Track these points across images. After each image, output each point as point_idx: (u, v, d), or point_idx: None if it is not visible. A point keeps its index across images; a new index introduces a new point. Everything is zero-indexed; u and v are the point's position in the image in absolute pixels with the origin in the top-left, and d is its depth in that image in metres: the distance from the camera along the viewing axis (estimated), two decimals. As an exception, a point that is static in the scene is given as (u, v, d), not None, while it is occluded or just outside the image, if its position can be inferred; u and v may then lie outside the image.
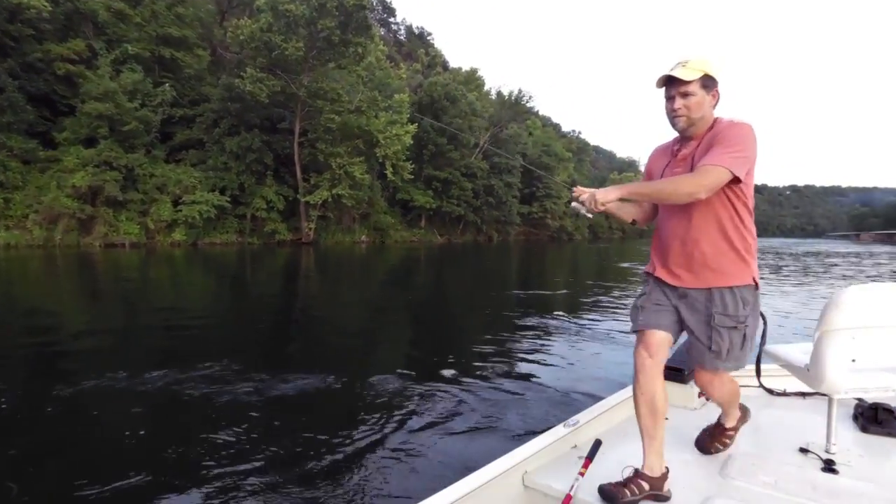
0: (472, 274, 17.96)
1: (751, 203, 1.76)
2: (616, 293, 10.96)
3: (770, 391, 2.58)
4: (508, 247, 43.56)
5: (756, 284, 1.74)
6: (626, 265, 20.96)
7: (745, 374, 2.51)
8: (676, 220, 1.80)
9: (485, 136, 57.00)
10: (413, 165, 42.49)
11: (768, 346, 2.24)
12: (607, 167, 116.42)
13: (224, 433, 3.26)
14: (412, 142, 39.47)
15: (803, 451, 1.95)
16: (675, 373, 2.38)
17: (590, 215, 1.81)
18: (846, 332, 1.73)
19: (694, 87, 1.68)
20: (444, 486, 1.57)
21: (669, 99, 1.73)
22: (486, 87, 68.02)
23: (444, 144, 48.66)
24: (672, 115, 1.74)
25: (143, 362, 5.01)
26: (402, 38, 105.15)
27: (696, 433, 2.12)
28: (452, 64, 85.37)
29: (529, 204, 64.39)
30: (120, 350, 5.78)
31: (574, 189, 1.85)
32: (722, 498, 1.59)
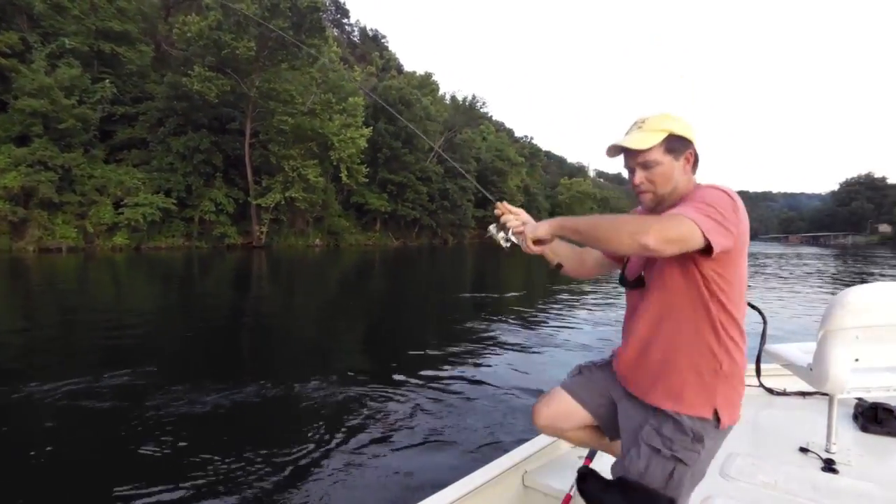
0: (427, 277, 18.18)
1: (738, 310, 1.28)
2: (566, 295, 11.45)
3: (770, 391, 2.55)
4: (464, 250, 44.07)
5: (718, 419, 1.28)
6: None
7: (746, 374, 2.48)
8: (636, 299, 1.42)
9: (439, 140, 57.44)
10: (368, 169, 42.33)
11: (768, 346, 2.21)
12: (558, 172, 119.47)
13: (153, 448, 3.02)
14: (367, 145, 39.35)
15: (803, 450, 1.94)
16: None
17: (507, 244, 1.47)
18: (850, 332, 1.70)
19: (656, 155, 1.28)
20: (426, 494, 1.55)
21: (630, 171, 1.35)
22: (441, 92, 68.63)
23: (399, 148, 48.74)
24: (636, 192, 1.36)
25: (70, 373, 4.70)
26: (356, 39, 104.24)
27: None
28: (407, 67, 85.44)
29: (484, 208, 65.27)
30: (46, 361, 5.43)
31: (498, 206, 1.50)
32: (722, 498, 1.57)
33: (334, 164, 37.22)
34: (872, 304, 1.70)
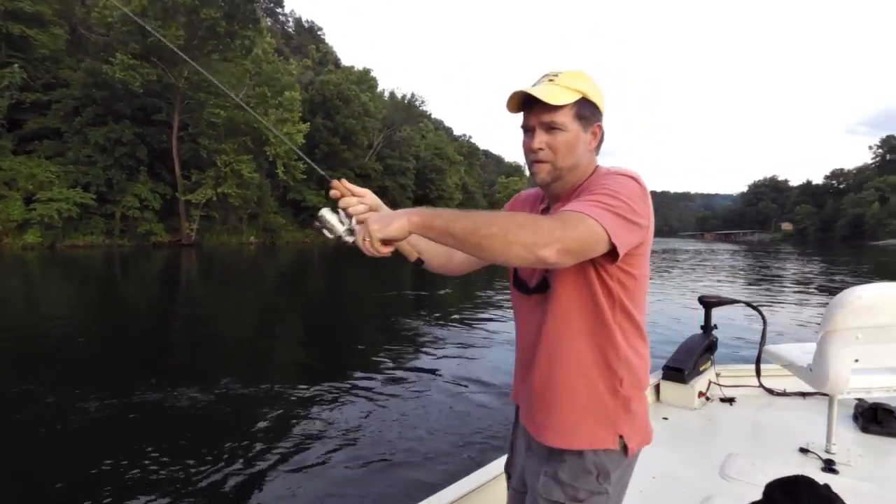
0: (367, 274, 18.31)
1: (640, 311, 1.09)
2: (503, 287, 12.05)
3: (770, 391, 2.55)
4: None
5: (625, 447, 1.06)
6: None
7: (746, 374, 2.60)
8: (532, 308, 1.14)
9: (378, 137, 57.26)
10: (305, 165, 41.58)
11: (768, 346, 2.22)
12: (496, 171, 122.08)
13: (71, 462, 2.87)
14: (304, 141, 38.63)
15: (803, 451, 1.93)
16: (676, 373, 2.38)
17: (349, 238, 1.06)
18: (850, 333, 1.70)
19: (564, 118, 1.04)
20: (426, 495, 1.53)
21: (528, 132, 1.09)
22: (380, 89, 68.29)
23: (337, 144, 48.15)
24: (530, 159, 1.08)
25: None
26: (290, 30, 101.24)
27: (697, 433, 2.10)
28: (345, 62, 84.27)
29: (423, 205, 65.82)
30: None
31: (335, 186, 1.11)
32: (722, 498, 1.57)
33: (270, 159, 36.27)
34: (872, 305, 1.69)
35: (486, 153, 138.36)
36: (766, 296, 11.71)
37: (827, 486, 1.39)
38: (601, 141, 1.13)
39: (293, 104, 36.28)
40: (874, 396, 2.02)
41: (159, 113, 32.96)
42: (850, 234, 79.25)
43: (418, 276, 18.28)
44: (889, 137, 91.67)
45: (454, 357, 5.84)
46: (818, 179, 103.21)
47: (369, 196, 1.16)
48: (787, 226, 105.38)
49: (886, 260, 30.60)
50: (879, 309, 1.70)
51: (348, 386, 4.55)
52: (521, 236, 0.87)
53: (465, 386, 4.67)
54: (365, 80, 62.81)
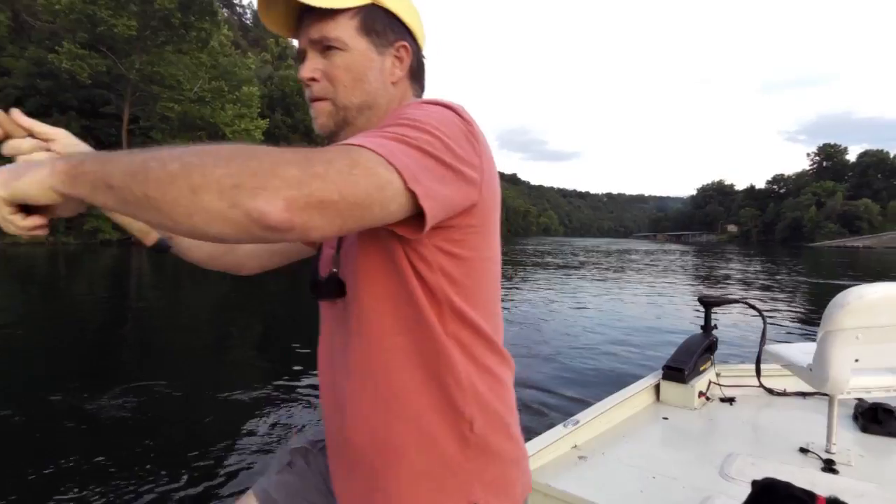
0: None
1: (489, 316, 0.72)
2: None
3: (770, 391, 2.56)
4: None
5: None
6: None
7: (746, 374, 2.62)
8: (332, 319, 0.77)
9: (340, 134, 56.83)
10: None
11: (768, 346, 2.22)
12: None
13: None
14: (263, 137, 37.90)
15: (803, 451, 1.94)
16: (675, 373, 2.39)
17: None
18: (850, 332, 1.71)
19: (343, 32, 0.70)
20: None
21: (299, 59, 0.75)
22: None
23: (297, 142, 47.45)
24: (308, 100, 0.74)
25: None
26: (248, 22, 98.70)
27: (697, 433, 2.12)
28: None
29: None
30: None
31: None
32: (722, 498, 1.57)
33: (228, 155, 35.49)
34: (873, 305, 1.70)
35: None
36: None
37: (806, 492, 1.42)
38: (416, 70, 0.77)
39: (251, 99, 35.55)
40: (874, 396, 2.02)
41: (108, 105, 31.64)
42: (790, 235, 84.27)
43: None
44: (825, 146, 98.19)
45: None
46: (761, 184, 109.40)
47: (62, 139, 0.72)
48: (732, 228, 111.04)
49: (823, 261, 32.78)
50: (880, 309, 1.70)
51: (305, 386, 4.46)
52: (217, 175, 0.46)
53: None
54: (326, 76, 62.10)
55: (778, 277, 17.99)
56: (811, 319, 8.52)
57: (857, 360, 1.74)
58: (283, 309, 10.01)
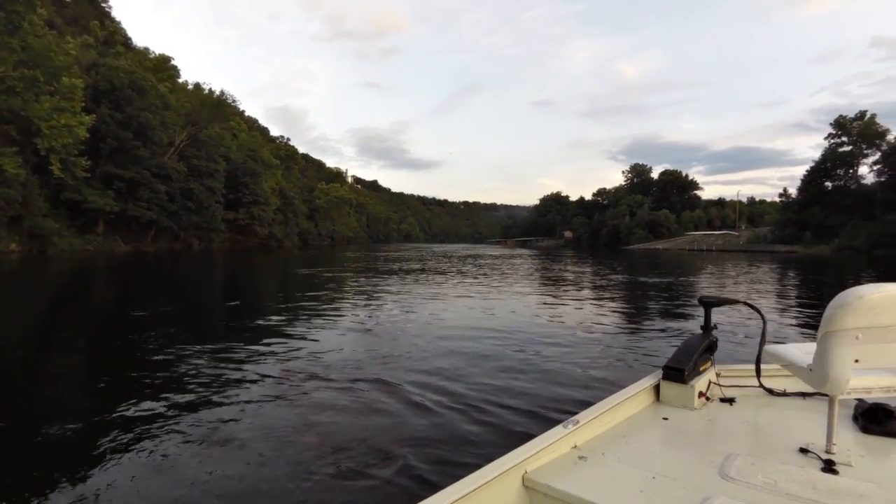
0: (169, 286, 17.19)
1: None
2: (329, 294, 12.82)
3: (770, 391, 2.55)
4: (212, 255, 41.04)
5: None
6: (307, 271, 22.50)
7: (746, 374, 2.63)
8: None
9: (182, 135, 52.27)
10: (89, 161, 36.16)
11: (768, 346, 2.22)
12: (316, 176, 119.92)
13: None
14: (88, 135, 33.63)
15: (803, 451, 1.93)
16: (675, 373, 2.37)
17: None
18: (850, 333, 1.71)
19: None
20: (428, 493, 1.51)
21: None
22: (182, 80, 62.24)
23: (129, 139, 42.81)
24: None
25: None
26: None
27: (697, 433, 2.13)
28: (137, 43, 74.52)
29: (236, 210, 61.83)
30: None
31: None
32: (722, 498, 1.56)
33: (42, 153, 30.72)
34: (873, 305, 1.69)
35: (306, 157, 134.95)
36: (564, 293, 14.58)
37: None
38: None
39: (74, 92, 31.30)
40: (874, 396, 2.00)
41: None
42: (611, 240, 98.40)
43: (228, 287, 17.75)
44: (636, 165, 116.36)
45: (298, 355, 5.75)
46: (589, 196, 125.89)
47: None
48: (568, 233, 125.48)
49: (634, 260, 39.23)
50: (880, 309, 1.70)
51: (147, 410, 3.99)
52: None
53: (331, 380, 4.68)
54: (163, 68, 56.78)
55: (603, 272, 21.40)
56: (635, 312, 10.63)
57: (857, 361, 1.74)
58: (116, 329, 9.44)
